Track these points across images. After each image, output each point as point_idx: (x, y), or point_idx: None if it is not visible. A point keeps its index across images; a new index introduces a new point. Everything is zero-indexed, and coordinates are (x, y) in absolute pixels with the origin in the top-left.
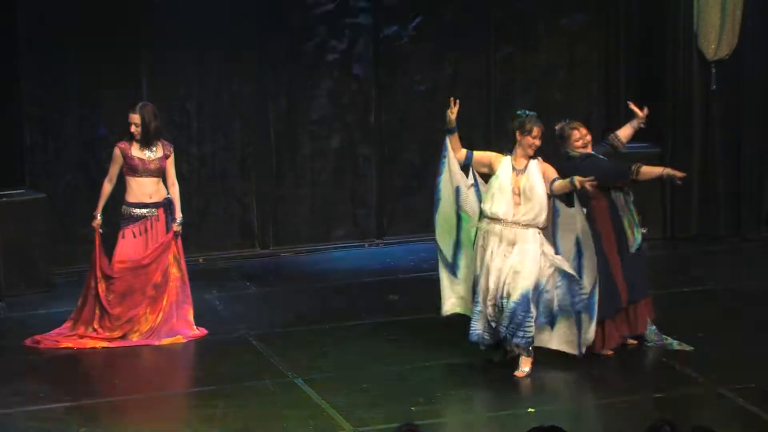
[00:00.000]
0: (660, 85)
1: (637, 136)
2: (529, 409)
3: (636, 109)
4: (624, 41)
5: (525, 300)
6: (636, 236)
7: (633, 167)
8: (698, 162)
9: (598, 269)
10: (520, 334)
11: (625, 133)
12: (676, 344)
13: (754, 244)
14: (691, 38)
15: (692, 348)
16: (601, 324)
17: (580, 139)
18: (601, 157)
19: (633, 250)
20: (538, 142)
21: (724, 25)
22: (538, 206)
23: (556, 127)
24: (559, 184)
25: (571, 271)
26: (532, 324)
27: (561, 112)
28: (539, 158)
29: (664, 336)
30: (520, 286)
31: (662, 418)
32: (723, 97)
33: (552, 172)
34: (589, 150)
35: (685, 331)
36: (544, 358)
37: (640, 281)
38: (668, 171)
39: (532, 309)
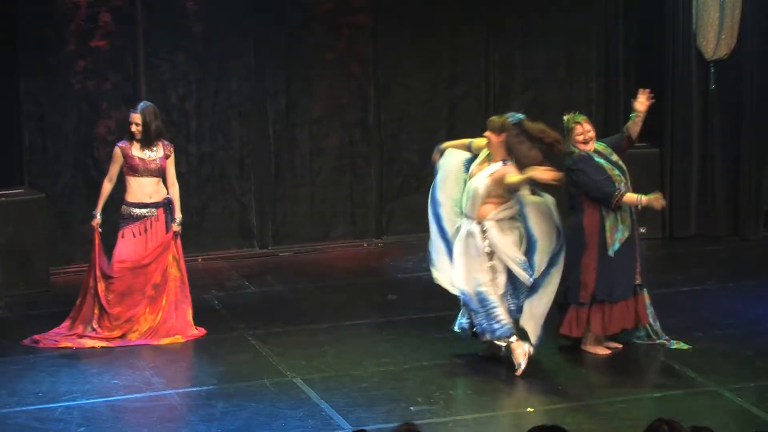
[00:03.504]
0: (659, 85)
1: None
2: (528, 409)
3: (638, 102)
4: (623, 40)
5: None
6: (615, 241)
7: (617, 193)
8: (697, 161)
9: (571, 262)
10: (491, 327)
11: (633, 129)
12: (674, 344)
13: (753, 243)
14: (689, 38)
15: (691, 347)
16: (567, 307)
17: (582, 134)
18: (598, 161)
19: (610, 253)
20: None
21: (723, 24)
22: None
23: (564, 119)
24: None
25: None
26: (498, 315)
27: (560, 111)
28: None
29: (660, 336)
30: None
31: (661, 418)
32: (722, 96)
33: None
34: (590, 147)
35: (683, 330)
36: (543, 358)
37: (620, 283)
38: (645, 201)
39: (490, 298)
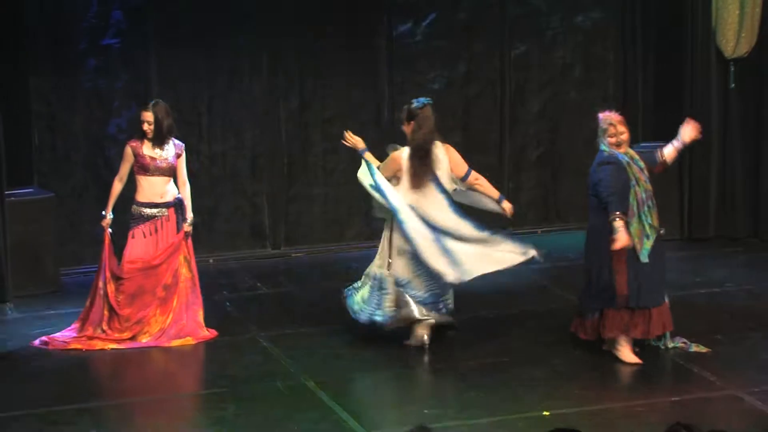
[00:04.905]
0: (678, 84)
1: (656, 135)
2: (544, 413)
3: (685, 131)
4: (641, 39)
5: None
6: (644, 246)
7: (617, 213)
8: (716, 162)
9: (594, 268)
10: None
11: (668, 151)
12: (693, 347)
13: None
14: (709, 36)
15: (710, 350)
16: (600, 312)
17: (615, 135)
18: (626, 165)
19: (643, 260)
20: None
21: (743, 22)
22: None
23: (599, 116)
24: None
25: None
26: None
27: (577, 111)
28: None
29: (676, 340)
30: None
31: (679, 422)
32: (741, 95)
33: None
34: (623, 149)
35: (702, 333)
36: (559, 360)
37: (651, 289)
38: (618, 245)
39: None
